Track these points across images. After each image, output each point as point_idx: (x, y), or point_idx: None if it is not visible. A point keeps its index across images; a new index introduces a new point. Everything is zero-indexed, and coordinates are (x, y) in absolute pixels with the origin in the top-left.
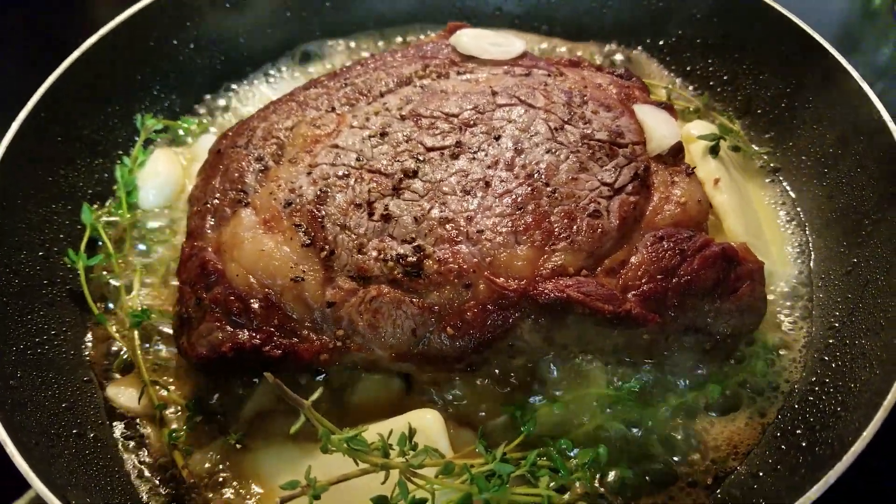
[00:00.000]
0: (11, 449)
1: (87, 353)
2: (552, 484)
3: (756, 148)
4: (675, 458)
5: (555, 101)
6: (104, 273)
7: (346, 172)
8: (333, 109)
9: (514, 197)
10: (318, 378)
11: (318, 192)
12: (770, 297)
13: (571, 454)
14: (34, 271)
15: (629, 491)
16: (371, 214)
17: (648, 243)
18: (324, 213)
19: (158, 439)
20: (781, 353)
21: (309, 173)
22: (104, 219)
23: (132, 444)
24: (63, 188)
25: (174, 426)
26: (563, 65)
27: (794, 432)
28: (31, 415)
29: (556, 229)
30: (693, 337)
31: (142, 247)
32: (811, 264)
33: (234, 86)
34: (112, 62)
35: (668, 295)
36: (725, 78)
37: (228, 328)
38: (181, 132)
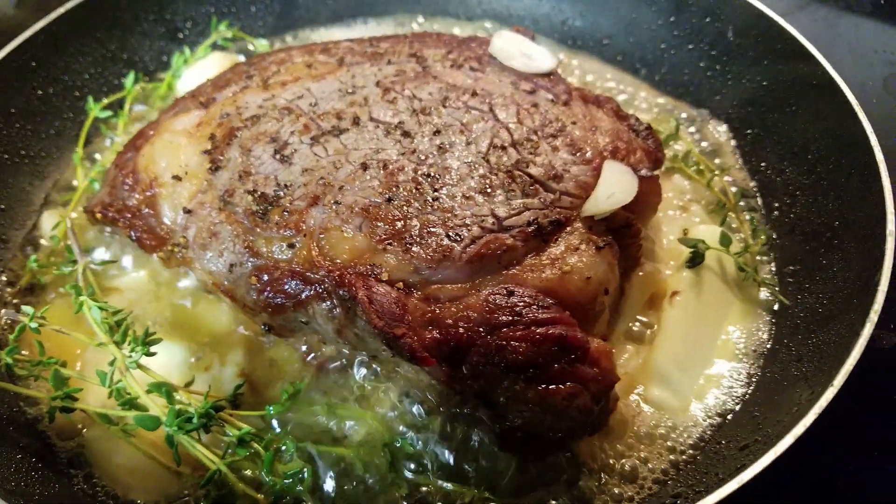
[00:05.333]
0: None
1: (53, 178)
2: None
3: (762, 277)
4: None
5: (521, 123)
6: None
7: (290, 110)
8: (342, 61)
9: (394, 187)
10: None
11: (252, 116)
12: (661, 429)
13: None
14: (62, 104)
15: None
16: (276, 152)
17: (494, 291)
18: (240, 134)
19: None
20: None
21: (267, 99)
22: (141, 89)
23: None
24: (126, 55)
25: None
26: (584, 98)
27: None
28: None
29: (404, 234)
30: (486, 411)
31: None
32: (722, 426)
33: (329, 30)
34: None
35: (471, 349)
36: (789, 188)
37: (112, 195)
38: (251, 48)
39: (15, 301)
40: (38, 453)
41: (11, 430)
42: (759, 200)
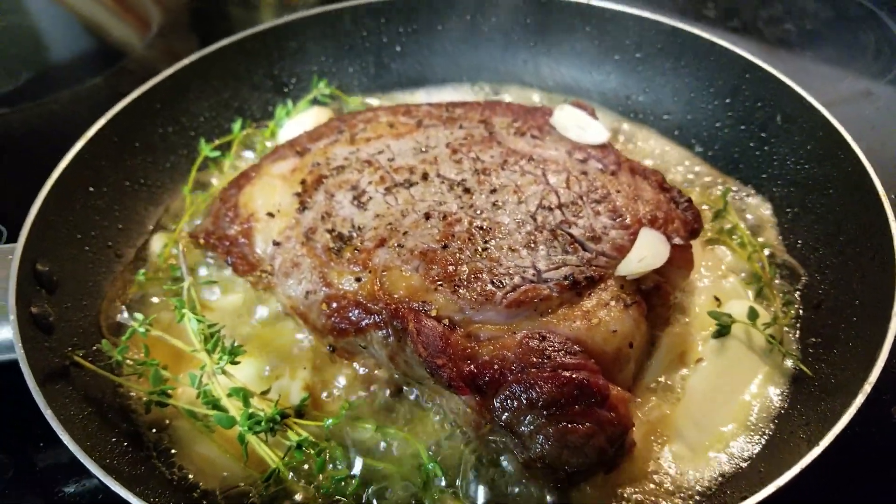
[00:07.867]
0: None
1: (165, 205)
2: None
3: (787, 348)
4: None
5: (570, 187)
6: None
7: (371, 162)
8: (420, 123)
9: (450, 236)
10: None
11: (338, 166)
12: (673, 475)
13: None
14: (178, 142)
15: None
16: (355, 199)
17: (528, 335)
18: (326, 181)
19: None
20: None
21: (352, 153)
22: (247, 134)
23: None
24: (237, 103)
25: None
26: (633, 169)
27: None
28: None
29: (454, 277)
30: (511, 439)
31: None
32: (729, 479)
33: (414, 93)
34: (330, 36)
35: (503, 384)
36: (820, 266)
37: (215, 225)
38: (349, 105)
39: (123, 307)
40: (130, 438)
41: (111, 416)
42: (793, 276)
